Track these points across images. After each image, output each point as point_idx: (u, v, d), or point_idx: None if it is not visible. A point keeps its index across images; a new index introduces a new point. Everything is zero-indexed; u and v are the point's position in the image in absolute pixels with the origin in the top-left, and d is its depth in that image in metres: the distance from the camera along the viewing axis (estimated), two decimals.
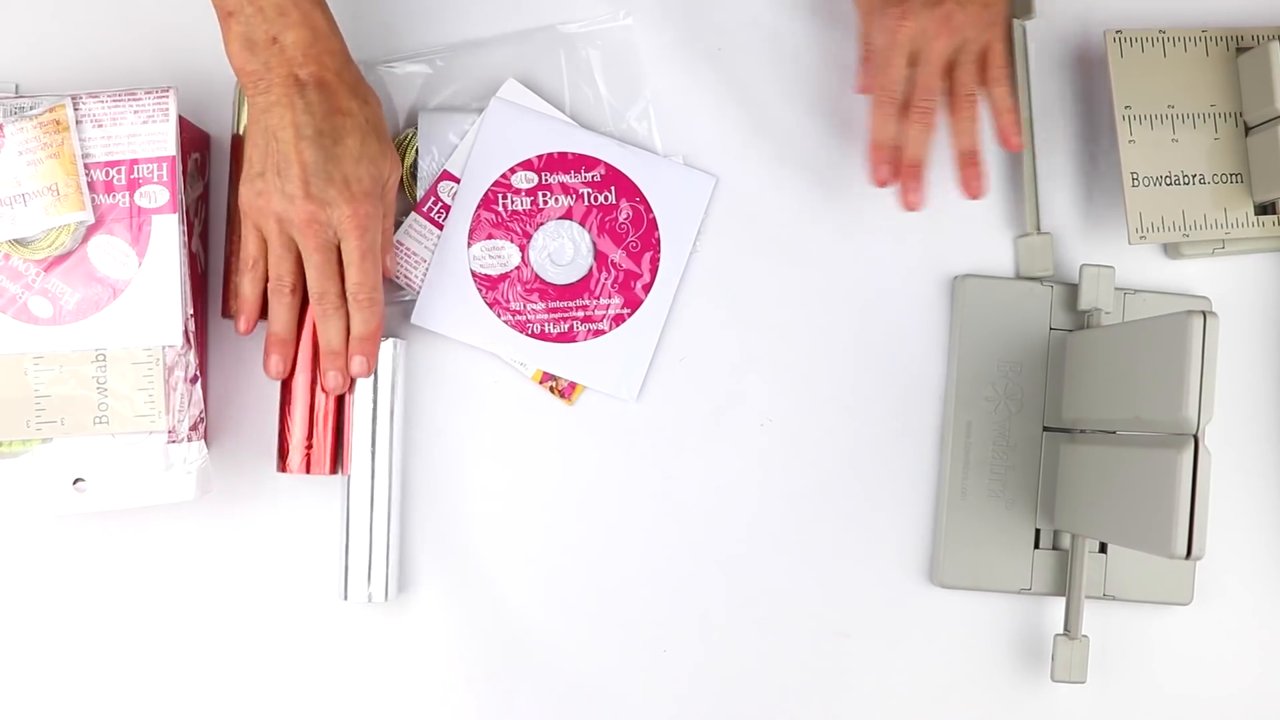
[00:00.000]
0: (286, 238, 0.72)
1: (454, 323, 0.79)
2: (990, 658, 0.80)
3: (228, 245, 0.77)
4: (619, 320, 0.79)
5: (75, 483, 0.72)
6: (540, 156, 0.79)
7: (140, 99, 0.73)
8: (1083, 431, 0.77)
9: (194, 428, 0.73)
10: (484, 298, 0.79)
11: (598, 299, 0.79)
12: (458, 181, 0.79)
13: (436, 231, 0.78)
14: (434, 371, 0.79)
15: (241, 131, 0.76)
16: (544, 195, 0.79)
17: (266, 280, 0.74)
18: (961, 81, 0.75)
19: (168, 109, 0.73)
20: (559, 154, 0.79)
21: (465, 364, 0.79)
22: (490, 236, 0.79)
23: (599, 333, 0.79)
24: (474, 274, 0.79)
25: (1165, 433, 0.67)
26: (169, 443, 0.72)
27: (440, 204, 0.79)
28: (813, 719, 0.80)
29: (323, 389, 0.75)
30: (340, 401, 0.76)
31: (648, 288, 0.79)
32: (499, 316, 0.79)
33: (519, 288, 0.79)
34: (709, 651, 0.80)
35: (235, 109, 0.77)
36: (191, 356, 0.73)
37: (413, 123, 0.79)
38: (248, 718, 0.78)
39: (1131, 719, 0.80)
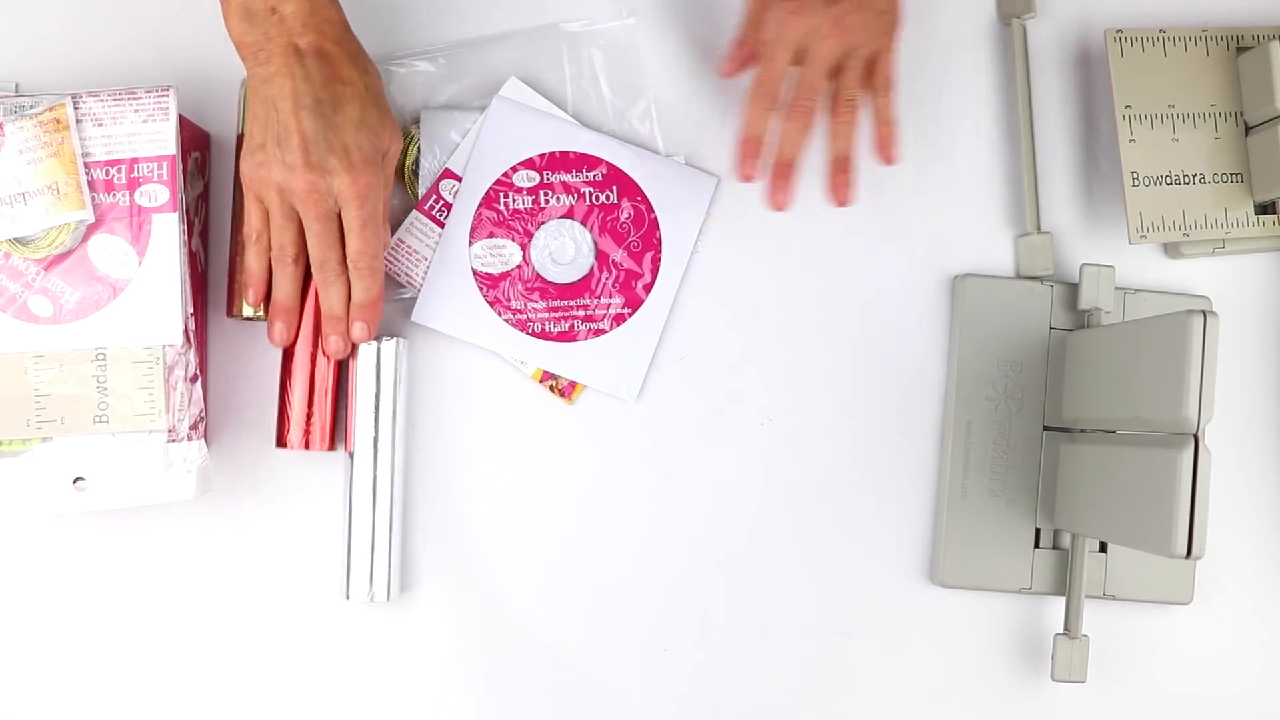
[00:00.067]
0: (288, 208, 0.72)
1: (455, 321, 0.79)
2: (990, 657, 0.80)
3: (231, 246, 0.77)
4: (620, 320, 0.79)
5: (75, 482, 0.72)
6: (542, 155, 0.79)
7: (140, 98, 0.73)
8: (1083, 431, 0.77)
9: (194, 427, 0.73)
10: (485, 296, 0.79)
11: (598, 298, 0.79)
12: (459, 180, 0.79)
13: (438, 230, 0.78)
14: (434, 370, 0.79)
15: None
16: (545, 194, 0.79)
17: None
18: (845, 85, 0.73)
19: (168, 108, 0.73)
20: (561, 153, 0.79)
21: (466, 363, 0.79)
22: (491, 235, 0.79)
23: (599, 332, 0.79)
24: (475, 272, 0.79)
25: (1165, 432, 0.67)
26: (169, 442, 0.72)
27: (442, 202, 0.79)
28: (813, 719, 0.80)
29: (324, 353, 0.75)
30: (340, 379, 0.76)
31: (649, 287, 0.79)
32: (500, 315, 0.79)
33: (520, 286, 0.79)
34: (709, 651, 0.80)
35: (240, 108, 0.77)
36: (191, 355, 0.73)
37: (415, 120, 0.79)
38: (249, 717, 0.78)
39: (1131, 718, 0.80)
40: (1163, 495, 0.66)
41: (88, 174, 0.72)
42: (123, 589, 0.78)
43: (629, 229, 0.79)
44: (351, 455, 0.76)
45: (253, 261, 0.74)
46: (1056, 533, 0.79)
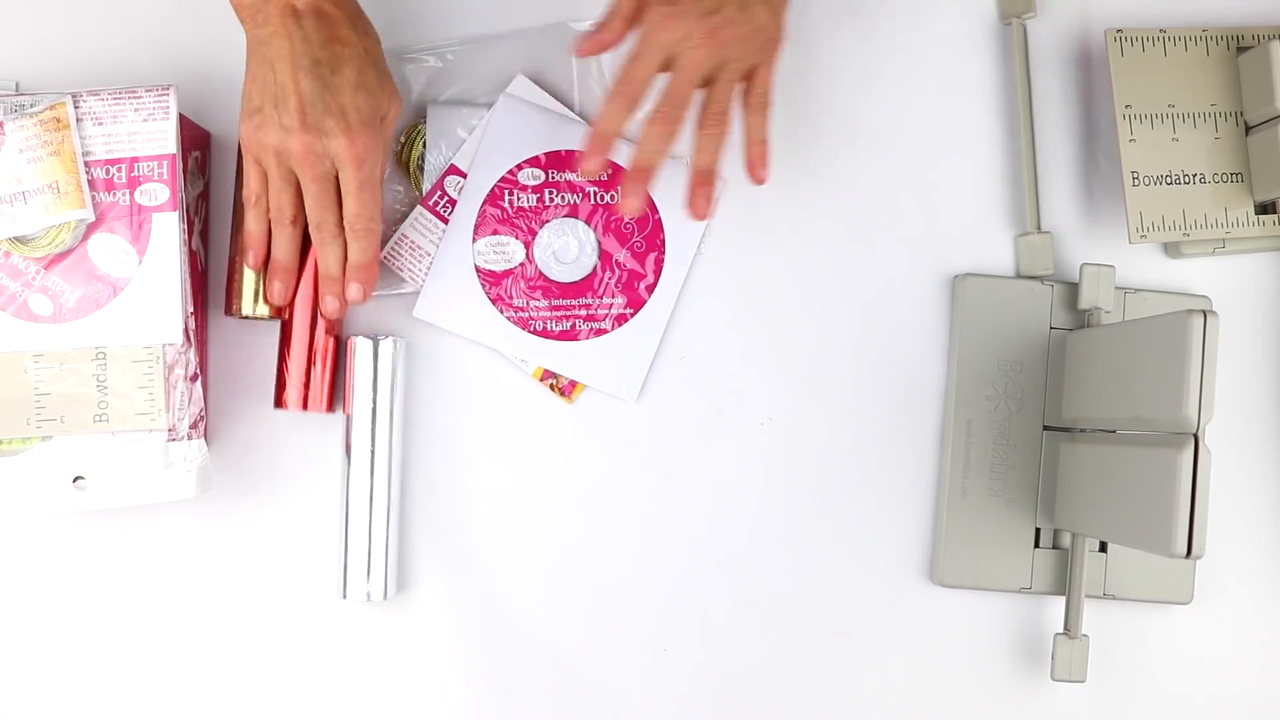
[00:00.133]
0: (286, 170, 0.71)
1: (456, 317, 0.79)
2: (990, 657, 0.80)
3: (231, 245, 0.77)
4: (621, 320, 0.79)
5: (75, 481, 0.72)
6: (548, 154, 0.79)
7: (141, 97, 0.73)
8: (1083, 430, 0.77)
9: (194, 426, 0.73)
10: (487, 293, 0.79)
11: (601, 298, 0.79)
12: (464, 176, 0.79)
13: (442, 226, 0.78)
14: (435, 367, 0.79)
15: None
16: (550, 193, 0.79)
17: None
18: (715, 98, 0.72)
19: (168, 107, 0.73)
20: (566, 152, 0.79)
21: (466, 360, 0.79)
22: (495, 232, 0.79)
23: (601, 332, 0.79)
24: (478, 269, 0.79)
25: (1165, 432, 0.67)
26: (169, 441, 0.72)
27: (446, 198, 0.79)
28: (813, 718, 0.80)
29: (321, 314, 0.76)
30: (338, 342, 0.77)
31: (651, 288, 0.79)
32: (502, 312, 0.79)
33: (522, 284, 0.79)
34: (709, 651, 0.80)
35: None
36: (191, 355, 0.73)
37: (421, 116, 0.79)
38: (246, 717, 0.78)
39: (1131, 718, 0.80)
40: (1163, 495, 0.66)
41: (88, 173, 0.72)
42: (122, 588, 0.78)
43: (633, 229, 0.79)
44: (349, 454, 0.76)
45: (252, 224, 0.74)
46: (1056, 532, 0.79)
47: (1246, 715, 0.81)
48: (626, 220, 0.73)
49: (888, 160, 0.81)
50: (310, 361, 0.76)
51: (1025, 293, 0.80)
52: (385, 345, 0.76)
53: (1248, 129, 0.78)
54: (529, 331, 0.79)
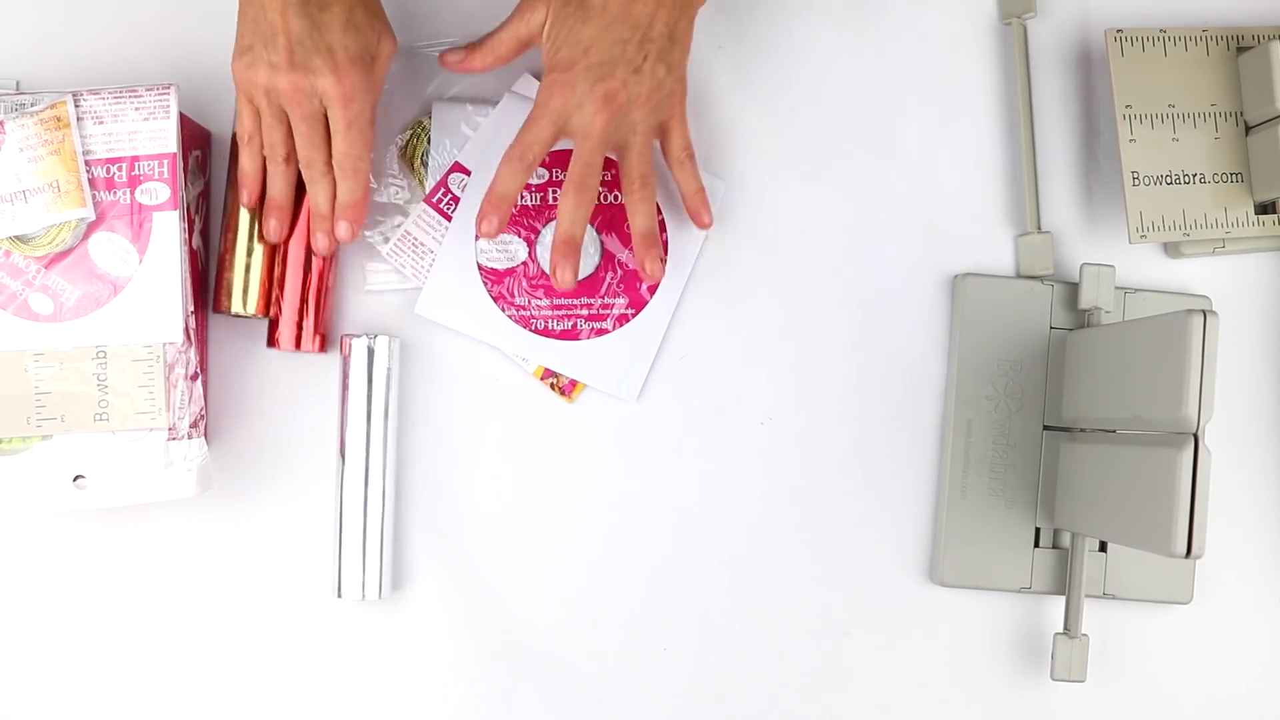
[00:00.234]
0: (277, 108, 0.72)
1: (458, 315, 0.79)
2: (990, 656, 0.80)
3: (221, 241, 0.77)
4: (623, 320, 0.79)
5: (75, 480, 0.72)
6: (551, 153, 0.79)
7: (141, 96, 0.73)
8: (1083, 430, 0.78)
9: (194, 425, 0.73)
10: (489, 291, 0.79)
11: (603, 298, 0.79)
12: (469, 174, 0.79)
13: (445, 223, 0.78)
14: (435, 364, 0.79)
15: None
16: (554, 191, 0.79)
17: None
18: (633, 163, 0.73)
19: (169, 106, 0.73)
20: (570, 151, 0.79)
21: (466, 358, 0.79)
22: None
23: (602, 332, 0.79)
24: (480, 267, 0.79)
25: (1165, 432, 0.67)
26: (169, 440, 0.72)
27: (450, 195, 0.79)
28: (813, 718, 0.80)
29: (314, 251, 0.76)
30: (329, 282, 0.77)
31: (653, 289, 0.79)
32: (503, 311, 0.79)
33: (525, 283, 0.79)
34: (709, 651, 0.80)
35: None
36: (192, 354, 0.73)
37: (426, 112, 0.79)
38: (243, 716, 0.78)
39: (1131, 718, 0.80)
40: (1162, 495, 0.66)
41: (88, 172, 0.72)
42: (122, 587, 0.78)
43: None
44: (343, 454, 0.76)
45: (245, 162, 0.74)
46: (1056, 532, 0.79)
47: (1246, 715, 0.81)
48: (567, 286, 0.73)
49: (888, 160, 0.81)
50: (304, 300, 0.76)
51: (1025, 293, 0.80)
52: (380, 344, 0.76)
53: (1248, 129, 0.79)
54: (530, 330, 0.79)
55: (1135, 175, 0.78)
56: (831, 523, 0.80)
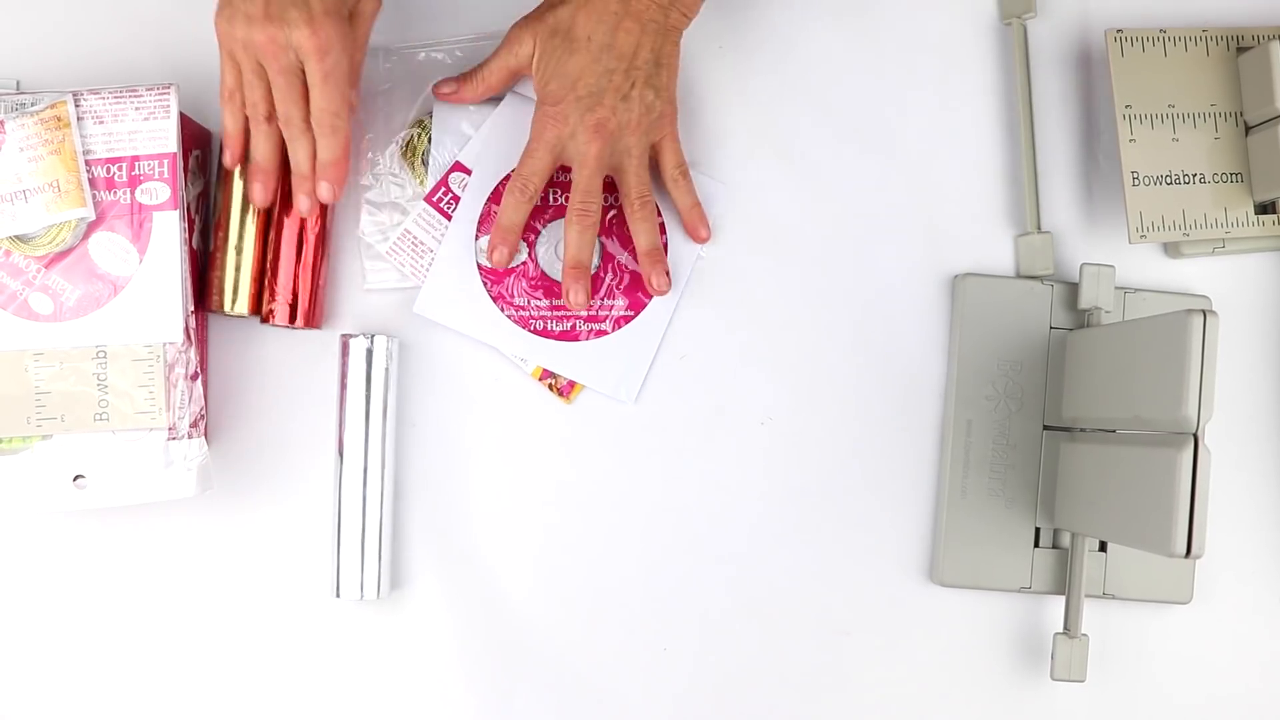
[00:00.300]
0: (255, 64, 0.70)
1: (457, 314, 0.79)
2: (990, 656, 0.80)
3: (211, 240, 0.77)
4: (622, 321, 0.79)
5: (75, 479, 0.72)
6: None
7: (142, 95, 0.73)
8: (1083, 430, 0.77)
9: (194, 425, 0.73)
10: (489, 291, 0.79)
11: (602, 299, 0.79)
12: (469, 173, 0.79)
13: (445, 222, 0.78)
14: (433, 364, 0.79)
15: None
16: (554, 192, 0.79)
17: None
18: (631, 185, 0.75)
19: (169, 106, 0.73)
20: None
21: (465, 358, 0.79)
22: None
23: (601, 333, 0.79)
24: (480, 267, 0.79)
25: (1165, 431, 0.67)
26: (169, 440, 0.72)
27: (450, 195, 0.79)
28: (813, 718, 0.80)
29: (297, 213, 0.75)
30: (322, 255, 0.77)
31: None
32: (503, 311, 0.79)
33: (524, 283, 0.79)
34: (709, 651, 0.80)
35: None
36: (192, 353, 0.73)
37: (428, 111, 0.79)
38: (242, 715, 0.78)
39: (1131, 718, 0.80)
40: (1162, 495, 0.66)
41: (89, 171, 0.72)
42: (122, 587, 0.78)
43: None
44: (341, 454, 0.76)
45: (228, 120, 0.73)
46: (1056, 532, 0.79)
47: (1246, 715, 0.81)
48: (580, 307, 0.76)
49: (888, 160, 0.81)
50: (297, 278, 0.76)
51: (1025, 293, 0.80)
52: (379, 343, 0.76)
53: (1248, 129, 0.79)
54: (529, 330, 0.79)
55: (1135, 175, 0.78)
56: (831, 523, 0.80)
